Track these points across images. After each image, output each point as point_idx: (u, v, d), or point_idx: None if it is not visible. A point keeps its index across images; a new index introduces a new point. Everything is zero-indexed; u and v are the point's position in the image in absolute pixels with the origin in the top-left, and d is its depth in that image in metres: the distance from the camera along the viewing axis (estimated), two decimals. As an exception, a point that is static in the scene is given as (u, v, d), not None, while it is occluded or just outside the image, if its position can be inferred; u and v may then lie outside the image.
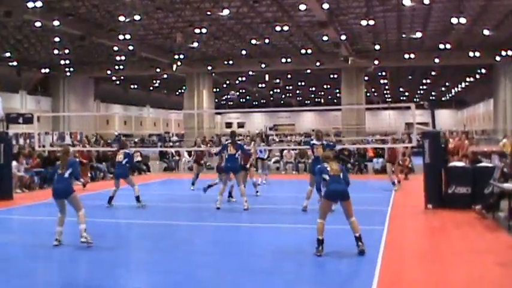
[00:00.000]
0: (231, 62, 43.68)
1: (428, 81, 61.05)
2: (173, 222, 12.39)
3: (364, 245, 8.46)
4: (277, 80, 58.06)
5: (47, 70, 45.97)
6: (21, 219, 13.41)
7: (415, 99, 70.27)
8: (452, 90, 71.51)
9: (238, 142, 13.92)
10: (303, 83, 63.72)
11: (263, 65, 43.54)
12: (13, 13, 26.33)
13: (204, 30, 32.90)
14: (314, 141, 13.17)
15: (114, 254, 8.79)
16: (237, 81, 59.67)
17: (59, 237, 9.18)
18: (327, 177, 8.78)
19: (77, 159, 13.80)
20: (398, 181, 18.08)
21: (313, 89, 70.28)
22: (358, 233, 8.53)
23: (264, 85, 62.68)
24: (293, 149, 27.18)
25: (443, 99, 79.01)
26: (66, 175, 9.28)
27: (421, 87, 67.25)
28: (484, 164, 14.27)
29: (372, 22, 30.59)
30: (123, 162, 14.19)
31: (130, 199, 14.26)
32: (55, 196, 9.33)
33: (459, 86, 65.82)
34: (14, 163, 17.50)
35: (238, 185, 13.70)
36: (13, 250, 9.30)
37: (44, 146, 28.42)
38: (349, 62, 40.00)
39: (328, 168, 8.79)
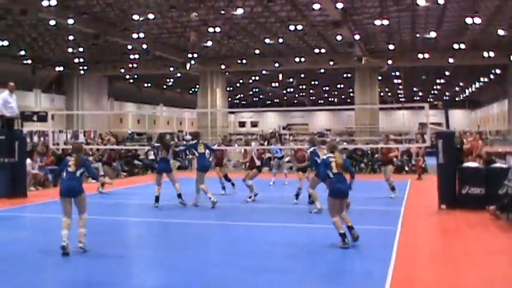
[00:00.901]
0: (244, 61, 43.71)
1: (442, 81, 60.63)
2: (184, 220, 12.42)
3: (357, 231, 8.93)
4: (291, 80, 57.92)
5: (61, 68, 46.22)
6: (34, 216, 13.49)
7: (428, 100, 69.92)
8: (466, 91, 70.99)
9: (205, 142, 15.00)
10: (316, 83, 63.54)
11: (276, 64, 43.48)
12: (28, 11, 26.52)
13: (217, 29, 32.93)
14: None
15: (123, 252, 8.78)
16: (251, 81, 59.66)
17: (67, 240, 8.56)
18: (330, 174, 8.87)
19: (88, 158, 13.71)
20: (393, 187, 15.74)
21: (327, 88, 70.07)
22: (350, 223, 8.97)
23: (277, 84, 62.58)
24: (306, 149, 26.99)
25: (457, 99, 78.48)
26: (78, 174, 8.90)
27: (435, 87, 66.83)
28: (499, 164, 14.16)
29: (386, 22, 30.45)
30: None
31: (142, 197, 14.27)
32: (64, 194, 8.80)
33: (473, 86, 65.32)
34: (28, 161, 17.64)
35: (196, 183, 14.11)
36: (20, 248, 9.32)
37: (58, 144, 28.68)
38: (363, 62, 39.84)
39: (333, 164, 8.83)
